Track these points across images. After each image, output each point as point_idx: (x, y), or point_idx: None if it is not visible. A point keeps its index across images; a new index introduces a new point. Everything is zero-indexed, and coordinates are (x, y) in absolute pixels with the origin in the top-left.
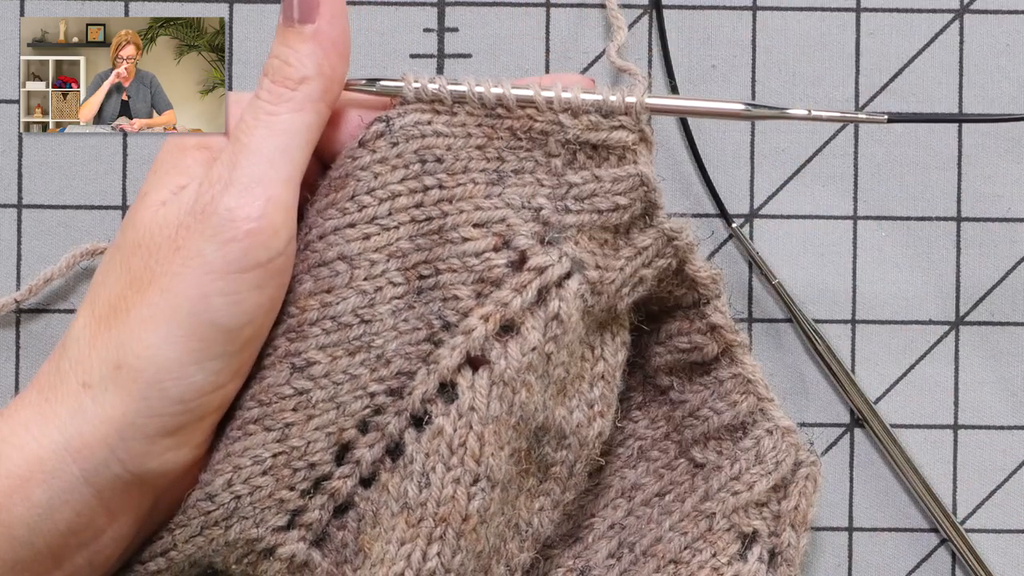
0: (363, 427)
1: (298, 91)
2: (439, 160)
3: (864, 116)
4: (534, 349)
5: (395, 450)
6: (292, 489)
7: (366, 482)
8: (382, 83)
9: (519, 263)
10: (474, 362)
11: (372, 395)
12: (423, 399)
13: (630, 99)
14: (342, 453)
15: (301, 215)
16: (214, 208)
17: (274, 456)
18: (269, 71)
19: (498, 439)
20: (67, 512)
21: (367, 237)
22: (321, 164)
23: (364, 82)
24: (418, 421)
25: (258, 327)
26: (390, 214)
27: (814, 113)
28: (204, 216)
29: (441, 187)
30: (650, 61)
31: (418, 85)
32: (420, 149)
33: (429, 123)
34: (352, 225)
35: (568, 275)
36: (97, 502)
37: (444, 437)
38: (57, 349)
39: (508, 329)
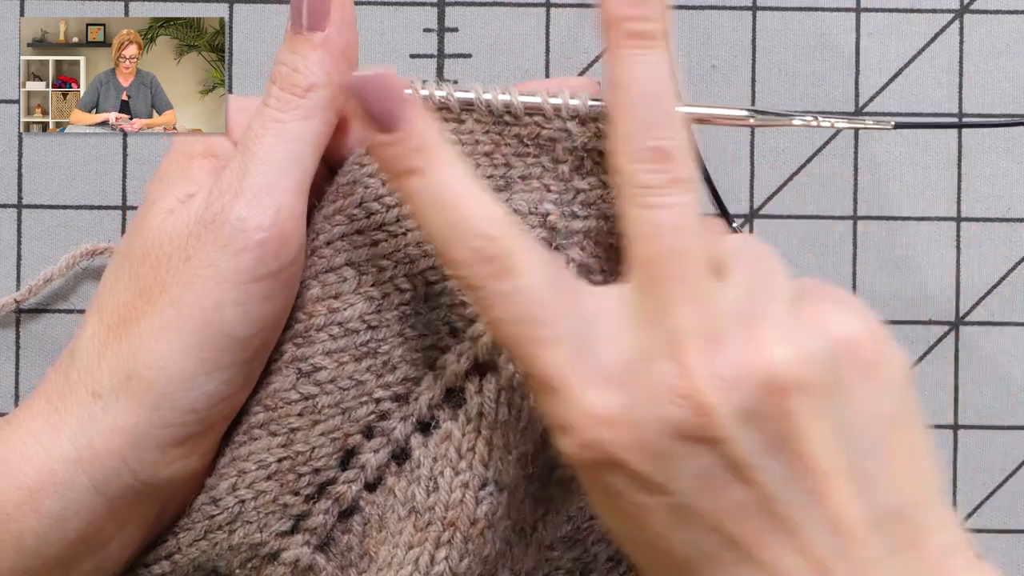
0: (368, 432)
1: (307, 99)
2: None
3: (871, 123)
4: None
5: (401, 455)
6: (296, 494)
7: (371, 487)
8: None
9: None
10: (481, 368)
11: (378, 401)
12: (430, 404)
13: None
14: (347, 458)
15: (309, 221)
16: (225, 218)
17: (279, 461)
18: (277, 78)
19: (507, 444)
20: (76, 522)
21: (375, 244)
22: (328, 169)
23: None
24: (424, 426)
25: (268, 336)
26: (398, 220)
27: (821, 122)
28: (215, 226)
29: None
30: None
31: (426, 93)
32: None
33: None
34: (360, 232)
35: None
36: (106, 511)
37: (453, 442)
38: (64, 357)
39: None
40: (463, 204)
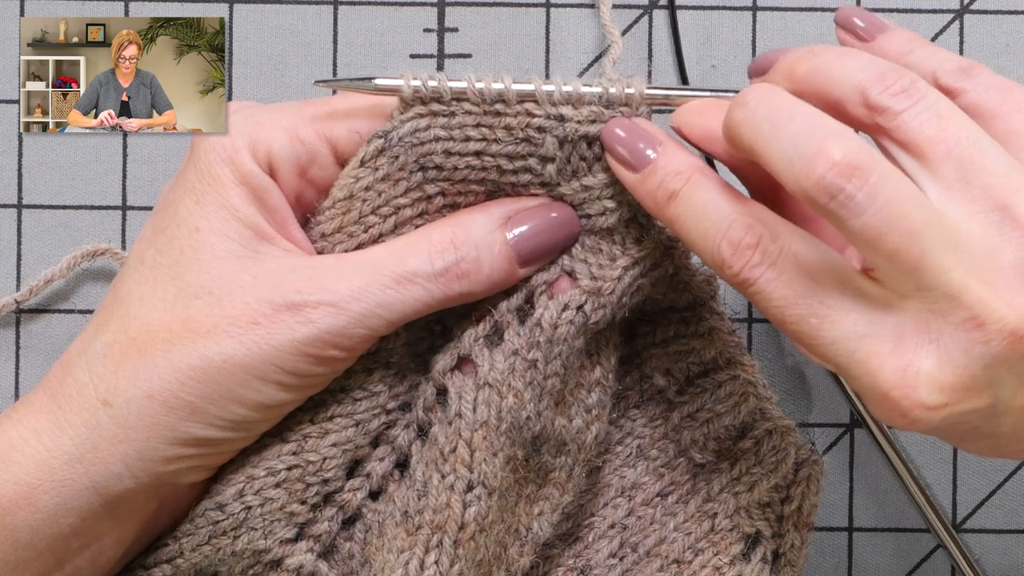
0: (375, 441)
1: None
2: (439, 168)
3: None
4: (516, 352)
5: (405, 463)
6: (303, 503)
7: (375, 495)
8: (377, 81)
9: None
10: (463, 366)
11: (388, 412)
12: (424, 408)
13: (629, 91)
14: (353, 466)
15: (305, 223)
16: (307, 316)
17: (289, 469)
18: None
19: (489, 445)
20: (72, 517)
21: None
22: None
23: (360, 81)
24: (423, 431)
25: (304, 399)
26: (395, 228)
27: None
28: (295, 311)
29: (443, 194)
30: (650, 60)
31: (417, 83)
32: (420, 157)
33: (427, 128)
34: (360, 246)
35: (555, 281)
36: (103, 508)
37: (437, 444)
38: (72, 354)
39: (498, 333)
40: (722, 208)
